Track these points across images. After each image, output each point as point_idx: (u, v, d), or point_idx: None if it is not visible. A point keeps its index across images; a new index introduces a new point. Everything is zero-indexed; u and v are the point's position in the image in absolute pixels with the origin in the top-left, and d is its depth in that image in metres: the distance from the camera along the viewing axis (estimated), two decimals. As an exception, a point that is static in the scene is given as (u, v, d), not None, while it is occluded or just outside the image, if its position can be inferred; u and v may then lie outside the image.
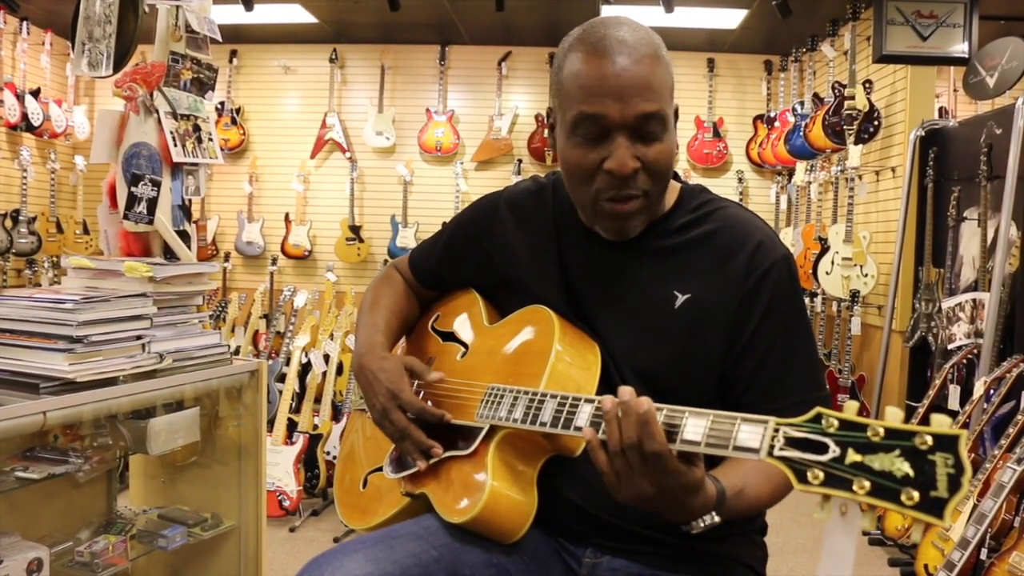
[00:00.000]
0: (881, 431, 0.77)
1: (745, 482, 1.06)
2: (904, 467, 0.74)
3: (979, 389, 3.08)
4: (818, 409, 0.82)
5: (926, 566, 2.76)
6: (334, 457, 3.70)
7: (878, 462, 0.75)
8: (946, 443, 0.73)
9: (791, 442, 0.82)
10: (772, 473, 0.85)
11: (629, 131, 1.12)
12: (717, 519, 1.00)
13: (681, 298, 1.19)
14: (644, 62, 1.12)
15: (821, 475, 0.78)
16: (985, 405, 3.04)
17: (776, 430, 0.85)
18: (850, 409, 0.81)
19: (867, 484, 0.75)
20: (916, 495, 0.73)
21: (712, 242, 1.21)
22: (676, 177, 1.28)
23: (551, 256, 1.30)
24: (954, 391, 3.45)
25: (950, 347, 3.59)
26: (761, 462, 0.85)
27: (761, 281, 1.18)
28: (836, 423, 0.80)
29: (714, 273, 1.19)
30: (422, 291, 1.52)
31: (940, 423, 0.74)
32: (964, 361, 3.45)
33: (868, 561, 3.30)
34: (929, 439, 0.74)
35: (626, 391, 0.97)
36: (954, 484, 0.71)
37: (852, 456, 0.77)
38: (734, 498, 1.03)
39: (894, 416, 0.77)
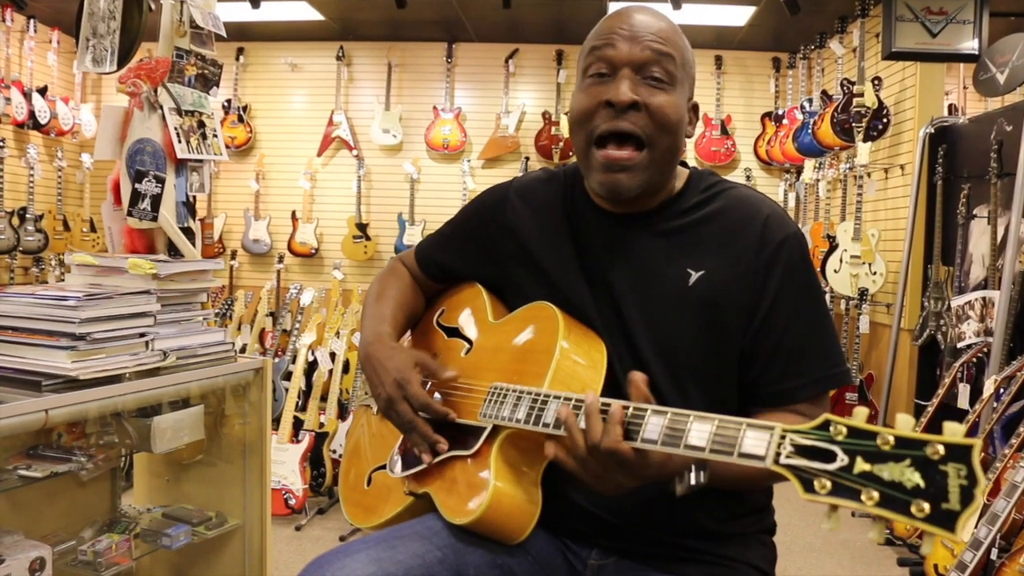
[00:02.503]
0: (891, 440, 0.74)
1: None
2: (915, 477, 0.72)
3: (989, 388, 3.06)
4: (826, 416, 0.81)
5: (936, 566, 2.74)
6: (340, 455, 3.69)
7: (888, 472, 0.73)
8: (959, 453, 0.71)
9: (798, 450, 0.80)
10: None
11: (635, 69, 1.14)
12: (704, 479, 0.95)
13: (695, 275, 1.18)
14: (663, 21, 1.17)
15: (828, 484, 0.76)
16: (995, 404, 3.02)
17: (783, 437, 0.83)
18: (859, 416, 0.78)
19: (876, 495, 0.73)
20: (927, 507, 0.70)
21: (721, 219, 1.21)
22: (684, 164, 1.28)
23: (564, 236, 1.28)
24: (964, 390, 3.43)
25: (959, 345, 3.56)
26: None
27: (774, 255, 1.17)
28: (844, 431, 0.78)
29: (725, 249, 1.18)
30: (428, 284, 1.50)
31: (953, 432, 0.72)
32: (974, 359, 3.42)
33: (877, 561, 3.28)
34: (941, 449, 0.71)
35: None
36: (967, 496, 0.69)
37: (861, 465, 0.75)
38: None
39: (905, 424, 0.74)
